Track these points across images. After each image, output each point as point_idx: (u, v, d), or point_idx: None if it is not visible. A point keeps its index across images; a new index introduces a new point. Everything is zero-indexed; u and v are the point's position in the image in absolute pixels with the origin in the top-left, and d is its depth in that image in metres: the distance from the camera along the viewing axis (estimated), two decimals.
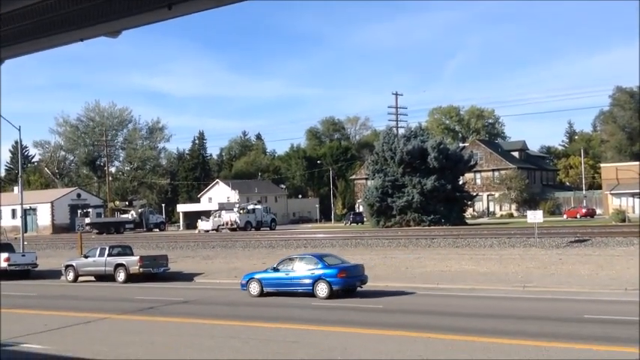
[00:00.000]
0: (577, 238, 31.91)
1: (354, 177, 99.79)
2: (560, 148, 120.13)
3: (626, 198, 67.40)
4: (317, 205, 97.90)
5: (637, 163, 69.35)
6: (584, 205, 74.60)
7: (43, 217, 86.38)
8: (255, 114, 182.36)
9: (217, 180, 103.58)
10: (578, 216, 67.10)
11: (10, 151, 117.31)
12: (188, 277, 30.17)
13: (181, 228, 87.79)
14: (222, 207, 74.52)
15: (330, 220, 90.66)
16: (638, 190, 63.84)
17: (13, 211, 78.01)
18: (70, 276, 31.04)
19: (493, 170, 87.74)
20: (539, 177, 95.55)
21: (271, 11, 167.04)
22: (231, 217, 67.53)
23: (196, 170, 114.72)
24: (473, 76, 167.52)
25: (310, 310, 18.45)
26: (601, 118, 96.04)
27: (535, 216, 32.43)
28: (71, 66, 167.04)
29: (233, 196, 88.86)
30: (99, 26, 7.70)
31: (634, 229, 33.80)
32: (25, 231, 53.89)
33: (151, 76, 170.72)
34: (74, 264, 31.29)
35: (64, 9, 7.32)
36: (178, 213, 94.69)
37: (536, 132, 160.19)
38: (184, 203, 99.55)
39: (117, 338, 14.62)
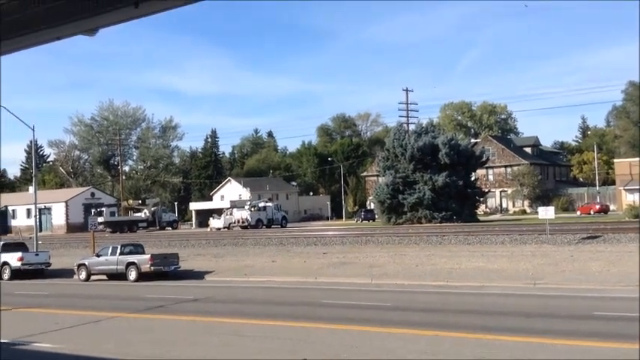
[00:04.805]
0: (589, 235, 31.68)
1: (365, 174, 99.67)
2: (573, 143, 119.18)
3: (639, 194, 66.75)
4: (328, 203, 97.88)
5: None
6: (598, 201, 73.97)
7: (58, 217, 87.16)
8: (267, 111, 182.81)
9: (229, 178, 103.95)
10: (591, 212, 66.53)
11: (26, 150, 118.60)
12: (198, 275, 30.33)
13: (194, 226, 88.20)
14: (234, 205, 74.77)
15: (342, 218, 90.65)
16: None
17: (28, 211, 78.86)
18: (83, 275, 31.29)
19: (505, 166, 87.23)
20: (553, 173, 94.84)
21: (282, 8, 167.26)
22: (242, 214, 67.72)
23: (209, 168, 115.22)
24: (485, 71, 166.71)
25: (316, 308, 18.51)
26: (614, 113, 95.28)
27: (546, 212, 32.19)
28: (84, 64, 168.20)
29: (245, 193, 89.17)
30: (73, 24, 7.89)
31: None
32: (40, 230, 54.47)
33: (164, 74, 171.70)
34: (86, 263, 31.55)
35: (34, 8, 7.52)
36: (191, 211, 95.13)
37: (550, 127, 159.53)
38: (197, 201, 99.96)
39: (126, 336, 14.77)
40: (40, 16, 7.77)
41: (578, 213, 68.20)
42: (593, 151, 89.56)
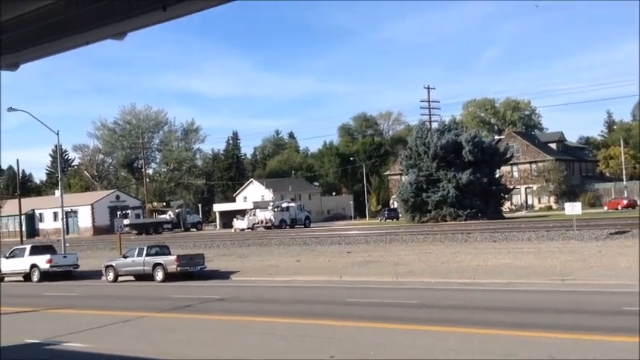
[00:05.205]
0: (617, 230, 31.23)
1: (387, 173, 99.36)
2: (599, 138, 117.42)
3: None
4: (351, 202, 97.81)
5: None
6: (625, 196, 72.84)
7: (84, 219, 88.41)
8: (288, 112, 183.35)
9: (252, 179, 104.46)
10: (619, 207, 65.55)
11: (51, 155, 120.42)
12: (224, 276, 30.53)
13: (218, 227, 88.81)
14: (257, 206, 75.15)
15: (365, 217, 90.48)
16: None
17: (55, 214, 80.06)
18: (110, 276, 31.68)
19: (530, 162, 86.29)
20: (579, 168, 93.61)
21: (300, 8, 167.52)
22: (265, 215, 68.03)
23: (231, 170, 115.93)
24: (507, 67, 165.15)
25: (341, 306, 18.52)
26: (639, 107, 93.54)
27: (573, 208, 31.80)
28: (106, 69, 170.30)
29: (267, 194, 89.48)
30: (103, 29, 7.95)
31: None
32: (67, 233, 55.19)
33: (183, 76, 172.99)
34: (114, 264, 31.93)
35: (66, 13, 7.58)
36: (215, 212, 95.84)
37: (575, 122, 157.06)
38: (220, 203, 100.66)
39: (156, 335, 14.93)
40: (70, 21, 7.87)
41: (606, 208, 67.24)
42: (620, 146, 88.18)
